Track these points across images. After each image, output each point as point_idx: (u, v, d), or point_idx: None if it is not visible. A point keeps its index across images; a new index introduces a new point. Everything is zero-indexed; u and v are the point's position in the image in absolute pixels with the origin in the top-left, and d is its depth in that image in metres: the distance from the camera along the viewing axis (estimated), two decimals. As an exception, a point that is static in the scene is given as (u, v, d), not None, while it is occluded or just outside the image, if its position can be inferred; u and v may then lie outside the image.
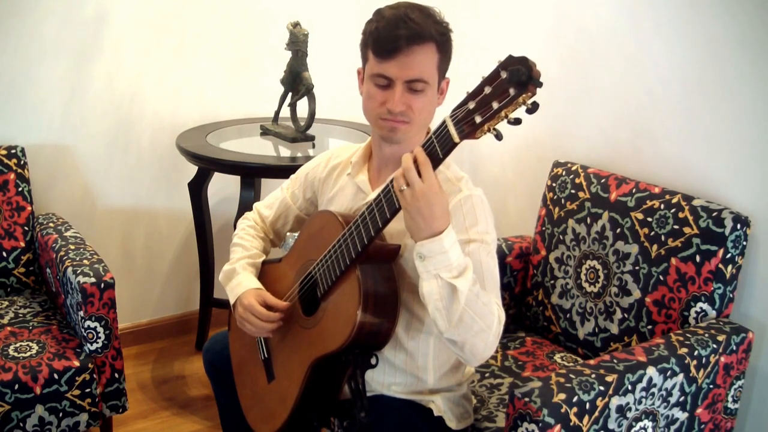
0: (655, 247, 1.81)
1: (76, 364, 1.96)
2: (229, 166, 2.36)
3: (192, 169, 2.59)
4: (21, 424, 1.88)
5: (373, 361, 1.42)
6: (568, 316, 2.03)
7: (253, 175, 2.41)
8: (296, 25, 2.47)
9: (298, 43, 2.47)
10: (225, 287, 1.64)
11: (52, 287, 2.26)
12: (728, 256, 1.70)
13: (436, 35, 1.36)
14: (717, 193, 1.83)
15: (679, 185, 1.90)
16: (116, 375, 2.06)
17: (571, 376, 1.45)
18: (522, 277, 2.19)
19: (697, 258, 1.73)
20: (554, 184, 2.11)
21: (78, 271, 2.00)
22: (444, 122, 1.17)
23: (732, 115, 1.80)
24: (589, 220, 1.98)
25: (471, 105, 1.13)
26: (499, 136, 1.13)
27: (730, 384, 1.71)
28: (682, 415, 1.62)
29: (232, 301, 1.61)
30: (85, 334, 1.98)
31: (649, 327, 1.81)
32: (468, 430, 1.60)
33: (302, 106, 2.59)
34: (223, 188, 2.88)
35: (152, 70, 2.65)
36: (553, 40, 2.26)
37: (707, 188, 1.86)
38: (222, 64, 2.79)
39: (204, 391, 2.60)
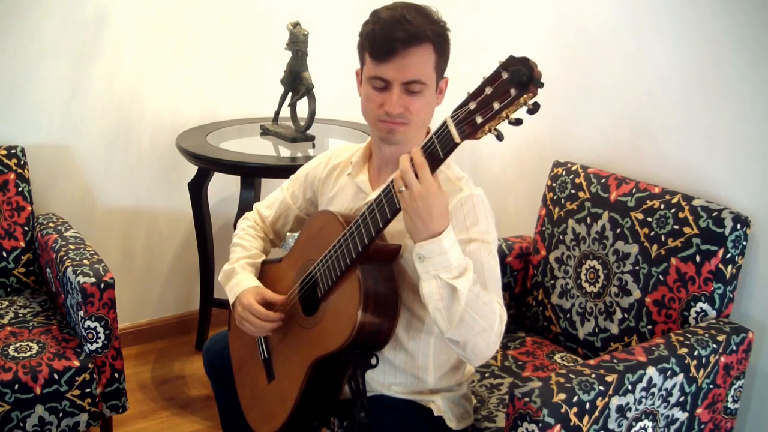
0: (655, 247, 1.81)
1: (76, 364, 1.96)
2: (229, 166, 2.36)
3: (192, 169, 2.59)
4: (21, 424, 1.88)
5: (373, 361, 1.42)
6: (568, 316, 2.03)
7: (253, 175, 2.41)
8: (296, 25, 2.47)
9: (298, 43, 2.47)
10: (224, 287, 1.64)
11: (52, 287, 2.26)
12: (728, 256, 1.70)
13: (433, 36, 1.35)
14: (717, 193, 1.83)
15: (679, 185, 1.90)
16: (116, 375, 2.06)
17: (571, 376, 1.45)
18: (522, 277, 2.20)
19: (697, 258, 1.73)
20: (554, 184, 2.11)
21: (78, 271, 2.00)
22: (445, 123, 1.17)
23: (732, 115, 1.80)
24: (589, 220, 1.99)
25: (472, 105, 1.12)
26: (500, 137, 1.13)
27: (730, 384, 1.71)
28: (682, 415, 1.62)
29: (231, 301, 1.61)
30: (85, 334, 1.98)
31: (649, 327, 1.81)
32: (468, 430, 1.60)
33: (302, 106, 2.59)
34: (223, 188, 2.88)
35: (152, 70, 2.65)
36: (553, 40, 2.26)
37: (707, 188, 1.86)
38: (222, 64, 2.79)
39: (204, 391, 2.60)
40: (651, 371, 1.51)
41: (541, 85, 1.06)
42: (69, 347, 2.01)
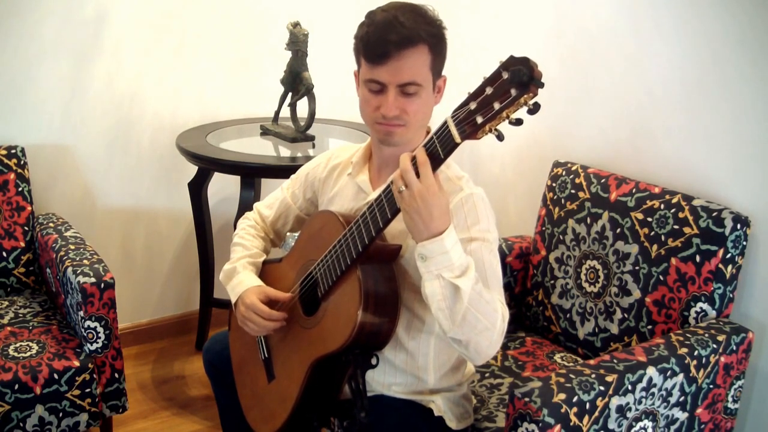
0: (655, 247, 1.81)
1: (76, 364, 1.96)
2: (229, 166, 2.36)
3: (192, 169, 2.59)
4: (21, 424, 1.88)
5: (373, 361, 1.42)
6: (568, 316, 2.03)
7: (253, 175, 2.41)
8: (296, 25, 2.47)
9: (298, 43, 2.47)
10: (226, 287, 1.64)
11: (52, 287, 2.26)
12: (728, 256, 1.71)
13: (427, 36, 1.34)
14: (717, 193, 1.84)
15: (679, 185, 1.90)
16: (116, 375, 2.06)
17: (571, 376, 1.45)
18: (522, 277, 2.20)
19: (697, 258, 1.73)
20: (554, 184, 2.11)
21: (78, 271, 2.00)
22: (445, 123, 1.17)
23: (732, 115, 1.80)
24: (589, 220, 1.99)
25: (472, 105, 1.12)
26: (500, 137, 1.13)
27: (730, 384, 1.71)
28: (682, 415, 1.62)
29: (233, 300, 1.60)
30: (85, 334, 1.98)
31: (649, 327, 1.81)
32: (468, 430, 1.60)
33: (302, 106, 2.59)
34: (223, 188, 2.88)
35: (152, 70, 2.65)
36: (553, 40, 2.26)
37: (707, 188, 1.86)
38: (222, 64, 2.79)
39: (204, 391, 2.60)
40: (651, 371, 1.51)
41: (542, 85, 1.06)
42: (69, 347, 2.01)
